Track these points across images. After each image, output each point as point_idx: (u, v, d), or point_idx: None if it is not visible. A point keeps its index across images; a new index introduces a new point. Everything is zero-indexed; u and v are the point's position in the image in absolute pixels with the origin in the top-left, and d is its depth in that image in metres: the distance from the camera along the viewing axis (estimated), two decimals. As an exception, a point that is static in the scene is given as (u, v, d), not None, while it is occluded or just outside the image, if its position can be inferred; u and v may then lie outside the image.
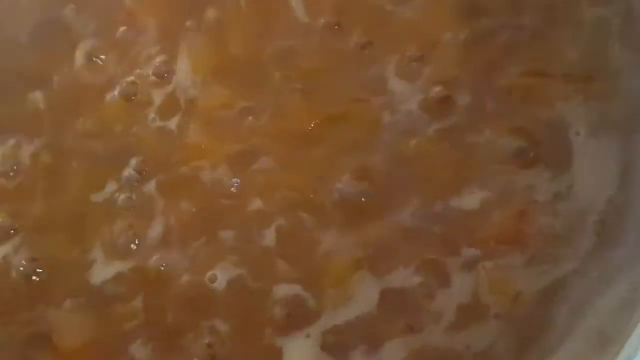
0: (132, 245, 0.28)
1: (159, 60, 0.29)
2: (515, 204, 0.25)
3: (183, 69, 0.29)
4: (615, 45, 0.26)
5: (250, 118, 0.28)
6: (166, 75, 0.29)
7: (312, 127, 0.27)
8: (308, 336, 0.25)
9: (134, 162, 0.28)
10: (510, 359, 0.24)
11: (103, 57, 0.30)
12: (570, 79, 0.26)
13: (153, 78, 0.29)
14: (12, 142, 0.30)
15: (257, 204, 0.27)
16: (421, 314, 0.25)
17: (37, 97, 0.30)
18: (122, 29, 0.30)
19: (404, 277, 0.25)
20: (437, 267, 0.25)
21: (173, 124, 0.29)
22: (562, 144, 0.25)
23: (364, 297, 0.25)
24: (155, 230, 0.27)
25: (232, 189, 0.27)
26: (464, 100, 0.26)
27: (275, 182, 0.27)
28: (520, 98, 0.26)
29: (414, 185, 0.26)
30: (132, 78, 0.29)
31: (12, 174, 0.29)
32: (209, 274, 0.27)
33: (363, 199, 0.26)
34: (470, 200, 0.25)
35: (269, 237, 0.26)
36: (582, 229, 0.25)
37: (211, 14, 0.30)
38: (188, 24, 0.30)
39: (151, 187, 0.28)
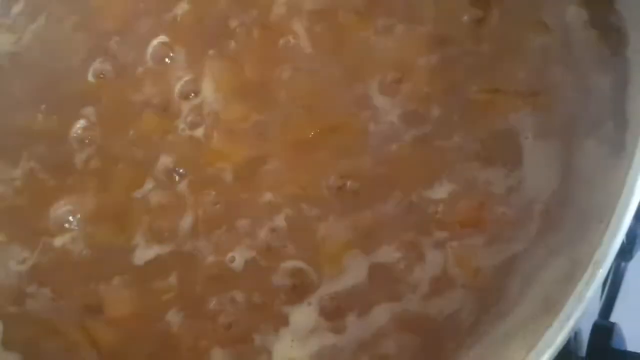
0: (167, 233, 0.32)
1: (188, 81, 0.35)
2: (476, 195, 0.29)
3: (208, 88, 0.34)
4: (555, 66, 0.30)
5: (263, 128, 0.32)
6: (193, 94, 0.34)
7: (312, 135, 0.32)
8: (309, 303, 0.29)
9: (168, 164, 0.33)
10: (473, 319, 0.28)
11: (143, 79, 0.35)
12: (520, 94, 0.30)
13: (183, 96, 0.34)
14: (67, 148, 0.35)
15: (268, 197, 0.31)
16: (401, 284, 0.29)
17: (89, 112, 0.35)
18: (158, 56, 0.35)
19: (387, 254, 0.29)
20: (414, 246, 0.29)
21: (199, 132, 0.33)
22: (514, 146, 0.29)
23: (355, 271, 0.29)
24: (186, 220, 0.32)
25: (248, 185, 0.32)
26: (435, 113, 0.30)
27: (283, 179, 0.32)
28: (480, 110, 0.30)
29: (395, 181, 0.30)
30: (166, 96, 0.34)
31: (68, 175, 0.34)
32: (229, 255, 0.31)
33: (354, 193, 0.30)
34: (440, 192, 0.29)
35: (278, 224, 0.31)
36: (530, 216, 0.28)
37: (230, 44, 0.34)
38: (211, 52, 0.35)
39: (182, 185, 0.33)
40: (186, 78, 0.34)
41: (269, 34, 0.33)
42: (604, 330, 0.33)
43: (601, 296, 0.39)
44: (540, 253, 0.27)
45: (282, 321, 0.29)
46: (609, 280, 0.40)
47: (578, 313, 0.23)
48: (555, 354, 0.23)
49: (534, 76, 0.30)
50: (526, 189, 0.28)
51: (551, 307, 0.24)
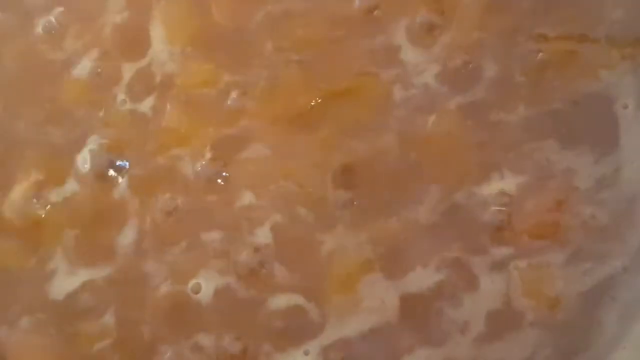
0: (101, 251, 0.28)
1: (127, 28, 0.30)
2: (552, 191, 0.26)
3: (157, 39, 0.29)
4: None
5: (238, 96, 0.28)
6: (137, 46, 0.30)
7: (311, 105, 0.28)
8: (307, 353, 0.25)
9: (100, 151, 0.29)
10: None
11: (62, 25, 0.30)
12: (615, 43, 0.27)
13: (121, 50, 0.29)
14: None
15: (247, 198, 0.28)
16: (444, 322, 0.25)
17: None
18: None
19: (423, 280, 0.26)
20: (462, 268, 0.26)
21: (146, 105, 0.29)
22: (607, 119, 0.26)
23: (375, 304, 0.26)
24: (128, 234, 0.28)
25: (218, 180, 0.28)
26: (490, 70, 0.27)
27: (269, 171, 0.28)
28: (556, 66, 0.26)
29: (431, 171, 0.27)
30: (96, 50, 0.30)
31: None
32: (192, 282, 0.27)
33: (372, 190, 0.26)
34: (499, 187, 0.25)
35: (263, 237, 0.27)
36: (632, 220, 0.26)
37: (188, -27, 0.30)
38: (162, -17, 0.31)
39: (122, 181, 0.29)
40: (125, 24, 0.30)
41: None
42: None
43: None
44: None
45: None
46: None
47: None
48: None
49: (636, 16, 0.26)
50: (624, 180, 0.26)
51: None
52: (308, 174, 0.28)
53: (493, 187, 0.26)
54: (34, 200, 0.30)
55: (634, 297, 0.24)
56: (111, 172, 0.29)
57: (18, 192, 0.29)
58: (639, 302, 0.25)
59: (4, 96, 0.30)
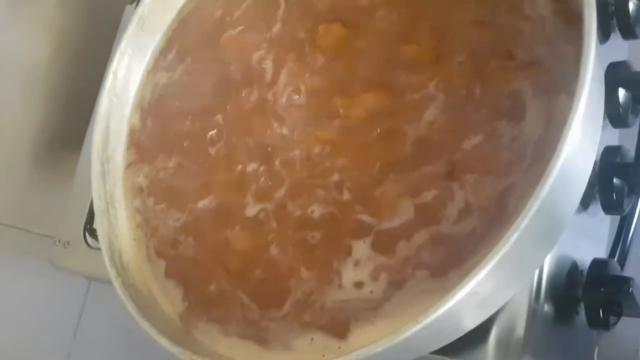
0: (268, 195, 0.49)
1: (284, 89, 0.52)
2: (493, 144, 0.42)
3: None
4: (539, 45, 0.42)
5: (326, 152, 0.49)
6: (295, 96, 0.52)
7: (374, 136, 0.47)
8: (364, 241, 0.44)
9: (268, 149, 0.50)
10: (484, 232, 0.39)
11: (250, 91, 0.53)
12: (521, 66, 0.43)
13: (279, 103, 0.52)
14: (204, 143, 0.55)
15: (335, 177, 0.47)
16: (439, 215, 0.42)
17: (219, 118, 0.53)
18: (258, 67, 0.53)
19: (429, 197, 0.43)
20: (449, 189, 0.43)
21: (286, 130, 0.51)
22: (520, 104, 0.42)
23: (406, 211, 0.44)
24: (282, 188, 0.49)
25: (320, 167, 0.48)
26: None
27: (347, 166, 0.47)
28: (496, 82, 0.43)
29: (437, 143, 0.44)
30: (269, 103, 0.52)
31: (205, 161, 0.53)
32: (310, 209, 0.47)
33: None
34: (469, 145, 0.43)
35: (345, 196, 0.46)
36: (524, 155, 0.40)
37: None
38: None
39: (277, 163, 0.50)
40: (282, 87, 0.51)
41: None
42: (601, 262, 0.49)
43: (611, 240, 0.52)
44: (529, 180, 0.38)
45: (348, 252, 0.43)
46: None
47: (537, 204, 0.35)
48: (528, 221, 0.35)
49: (528, 53, 0.43)
50: (524, 137, 0.40)
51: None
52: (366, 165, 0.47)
53: (466, 145, 0.43)
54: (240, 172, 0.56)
55: (521, 192, 0.39)
56: (273, 158, 0.50)
57: (233, 169, 0.56)
58: (524, 194, 0.37)
59: (228, 127, 0.53)
